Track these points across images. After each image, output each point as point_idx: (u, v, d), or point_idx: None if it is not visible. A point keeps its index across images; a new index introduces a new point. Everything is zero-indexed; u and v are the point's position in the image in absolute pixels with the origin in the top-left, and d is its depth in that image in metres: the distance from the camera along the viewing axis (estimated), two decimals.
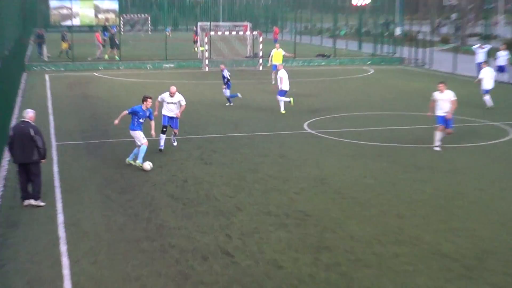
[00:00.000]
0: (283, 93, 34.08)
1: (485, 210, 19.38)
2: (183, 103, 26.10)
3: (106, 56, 60.51)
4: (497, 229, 17.74)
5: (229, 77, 36.44)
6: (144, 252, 15.61)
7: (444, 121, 26.84)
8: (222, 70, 37.03)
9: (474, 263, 15.43)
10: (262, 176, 22.39)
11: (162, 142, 25.71)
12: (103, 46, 61.96)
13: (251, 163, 24.20)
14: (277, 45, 49.20)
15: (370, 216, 18.56)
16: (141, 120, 23.10)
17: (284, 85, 33.90)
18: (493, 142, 28.66)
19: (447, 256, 15.78)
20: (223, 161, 24.36)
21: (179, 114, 26.03)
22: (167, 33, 69.57)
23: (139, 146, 22.98)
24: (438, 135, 26.89)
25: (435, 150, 26.49)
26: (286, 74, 34.27)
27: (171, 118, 25.85)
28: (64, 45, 60.75)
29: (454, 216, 18.76)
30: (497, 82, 46.37)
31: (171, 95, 25.85)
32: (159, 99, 26.10)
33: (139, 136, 23.02)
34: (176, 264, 14.97)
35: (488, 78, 37.49)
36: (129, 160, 23.46)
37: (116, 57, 60.13)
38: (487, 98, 37.28)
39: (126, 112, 23.19)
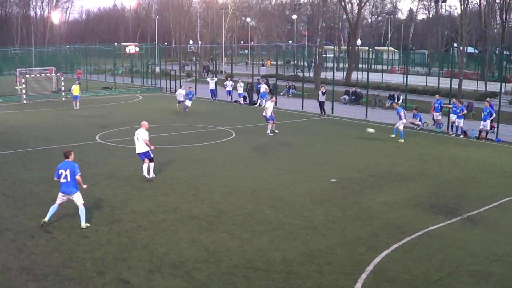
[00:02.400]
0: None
1: (219, 185, 19.96)
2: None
3: None
4: (227, 197, 18.40)
5: None
6: None
7: (272, 118, 30.97)
8: None
9: (214, 220, 15.96)
10: None
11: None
12: None
13: None
14: (77, 82, 48.35)
15: (144, 196, 18.60)
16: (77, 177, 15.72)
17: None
18: (223, 140, 29.33)
19: (197, 217, 16.20)
20: (40, 166, 23.29)
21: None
22: None
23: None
24: (270, 126, 31.09)
25: (190, 146, 27.01)
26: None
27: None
28: None
29: (200, 190, 19.17)
30: (225, 102, 47.91)
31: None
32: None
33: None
34: (12, 242, 14.38)
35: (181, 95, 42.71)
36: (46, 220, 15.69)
37: None
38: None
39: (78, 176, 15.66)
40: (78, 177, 15.60)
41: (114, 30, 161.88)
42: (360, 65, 75.19)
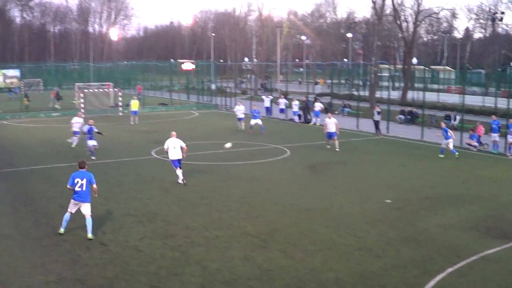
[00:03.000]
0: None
1: (273, 203, 19.92)
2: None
3: (57, 106, 58.33)
4: (280, 215, 18.34)
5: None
6: (45, 246, 15.24)
7: (331, 135, 31.84)
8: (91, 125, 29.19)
9: (268, 237, 15.93)
10: (124, 188, 22.16)
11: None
12: (57, 99, 59.86)
13: (116, 180, 23.83)
14: (135, 97, 49.52)
15: (199, 212, 18.73)
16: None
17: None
18: (277, 158, 29.37)
19: (250, 234, 16.21)
20: (96, 180, 23.70)
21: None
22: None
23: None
24: (331, 144, 31.99)
25: (244, 164, 27.14)
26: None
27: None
28: (26, 101, 57.53)
29: (254, 208, 19.19)
30: (279, 119, 48.14)
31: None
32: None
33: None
34: (68, 253, 14.69)
35: (240, 113, 41.66)
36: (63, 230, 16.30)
37: (57, 106, 58.24)
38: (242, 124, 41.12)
39: (95, 185, 16.55)
40: (94, 186, 16.35)
41: (171, 47, 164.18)
42: (416, 85, 74.30)
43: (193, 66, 73.79)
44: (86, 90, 55.16)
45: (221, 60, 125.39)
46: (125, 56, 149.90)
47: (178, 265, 13.85)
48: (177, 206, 19.46)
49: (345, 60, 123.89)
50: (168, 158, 23.77)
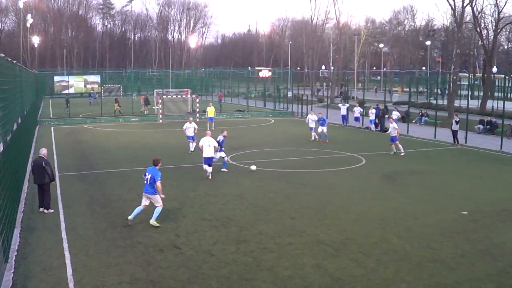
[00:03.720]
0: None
1: (346, 211, 19.67)
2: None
3: (146, 112, 60.10)
4: (354, 224, 18.08)
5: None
6: (119, 247, 15.57)
7: (392, 139, 33.44)
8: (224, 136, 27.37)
9: (340, 246, 15.74)
10: (199, 193, 22.37)
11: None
12: (146, 104, 61.70)
13: (191, 184, 24.10)
14: (211, 103, 50.20)
15: (272, 218, 18.69)
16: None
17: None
18: (352, 166, 29.06)
19: (323, 242, 16.05)
20: (173, 184, 24.01)
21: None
22: (134, 97, 69.06)
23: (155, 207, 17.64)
24: (395, 146, 33.12)
25: (319, 171, 27.00)
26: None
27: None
28: (117, 106, 59.13)
29: (327, 216, 19.00)
30: (355, 128, 47.75)
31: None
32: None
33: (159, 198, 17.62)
34: (142, 255, 14.95)
35: (312, 121, 40.17)
36: (132, 218, 17.71)
37: (146, 111, 60.17)
38: (314, 133, 39.81)
39: (159, 183, 17.36)
40: (158, 183, 17.36)
41: (248, 54, 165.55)
42: (495, 94, 72.20)
43: (270, 74, 73.99)
44: (164, 97, 56.22)
45: (298, 68, 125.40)
46: (203, 63, 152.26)
47: (250, 271, 13.86)
48: (251, 212, 19.51)
49: (424, 68, 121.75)
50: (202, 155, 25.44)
